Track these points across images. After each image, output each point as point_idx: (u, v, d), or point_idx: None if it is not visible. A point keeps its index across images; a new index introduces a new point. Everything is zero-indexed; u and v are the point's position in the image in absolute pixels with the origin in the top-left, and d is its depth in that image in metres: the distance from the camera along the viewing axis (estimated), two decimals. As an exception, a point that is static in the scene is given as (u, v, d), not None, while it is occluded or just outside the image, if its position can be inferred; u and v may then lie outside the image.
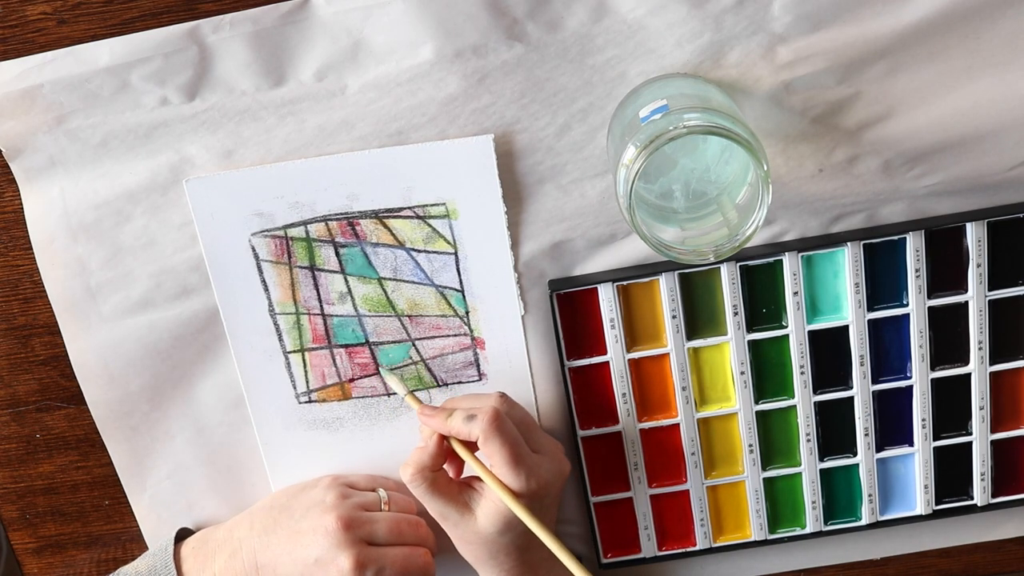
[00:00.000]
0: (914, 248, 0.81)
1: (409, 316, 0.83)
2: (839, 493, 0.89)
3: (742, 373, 0.84)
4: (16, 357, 0.85)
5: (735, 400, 0.85)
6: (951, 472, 0.88)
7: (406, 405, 0.85)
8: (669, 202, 0.73)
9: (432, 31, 0.74)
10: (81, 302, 0.82)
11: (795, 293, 0.82)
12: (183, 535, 0.86)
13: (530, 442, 0.79)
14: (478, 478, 0.79)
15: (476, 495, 0.79)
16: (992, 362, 0.84)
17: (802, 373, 0.84)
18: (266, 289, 0.82)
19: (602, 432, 0.86)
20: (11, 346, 0.85)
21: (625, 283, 0.82)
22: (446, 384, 0.85)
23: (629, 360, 0.84)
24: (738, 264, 0.81)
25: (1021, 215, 0.80)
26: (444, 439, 0.79)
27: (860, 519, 0.89)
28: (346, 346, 0.84)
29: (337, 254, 0.81)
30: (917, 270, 0.81)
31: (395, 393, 0.85)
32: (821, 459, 0.87)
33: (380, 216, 0.80)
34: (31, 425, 0.88)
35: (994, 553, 0.93)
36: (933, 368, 0.85)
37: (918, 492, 0.88)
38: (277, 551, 0.80)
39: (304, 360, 0.84)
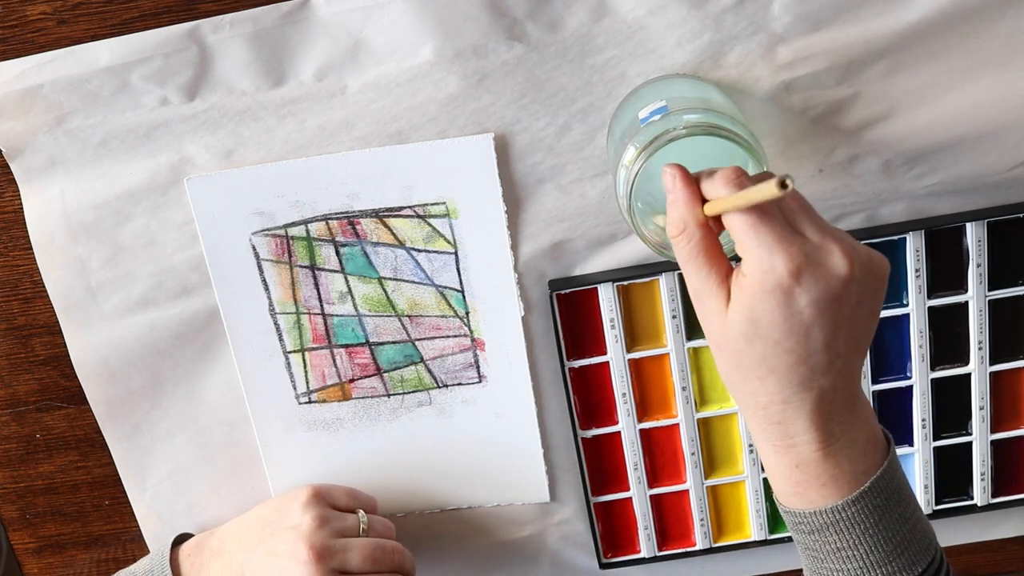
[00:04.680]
0: (914, 248, 0.81)
1: (409, 316, 0.83)
2: (839, 493, 0.89)
3: (742, 373, 0.84)
4: (16, 357, 0.85)
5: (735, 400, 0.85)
6: (951, 472, 0.88)
7: (406, 405, 0.85)
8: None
9: (432, 31, 0.74)
10: (81, 301, 0.82)
11: (795, 293, 0.82)
12: (180, 540, 0.86)
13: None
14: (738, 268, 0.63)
15: (733, 282, 0.62)
16: (992, 362, 0.84)
17: (802, 373, 0.84)
18: (266, 288, 0.82)
19: (602, 432, 0.86)
20: (11, 346, 0.85)
21: (625, 283, 0.82)
22: (446, 385, 0.85)
23: (629, 360, 0.84)
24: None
25: (1021, 215, 0.80)
26: (691, 184, 0.63)
27: (860, 519, 0.89)
28: (346, 346, 0.84)
29: (337, 253, 0.81)
30: (917, 270, 0.81)
31: (396, 393, 0.85)
32: (821, 459, 0.87)
33: (380, 215, 0.80)
34: (31, 425, 0.88)
35: (994, 553, 0.93)
36: (933, 368, 0.85)
37: (918, 492, 0.88)
38: (258, 567, 0.80)
39: (304, 360, 0.84)
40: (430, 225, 0.80)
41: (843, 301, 0.59)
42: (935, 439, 0.87)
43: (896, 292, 0.83)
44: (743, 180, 0.61)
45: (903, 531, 0.65)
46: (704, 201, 0.63)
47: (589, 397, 0.86)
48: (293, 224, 0.80)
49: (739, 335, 0.61)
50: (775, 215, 0.60)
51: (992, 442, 0.87)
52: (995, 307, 0.83)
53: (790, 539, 0.89)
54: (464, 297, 0.82)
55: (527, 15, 0.73)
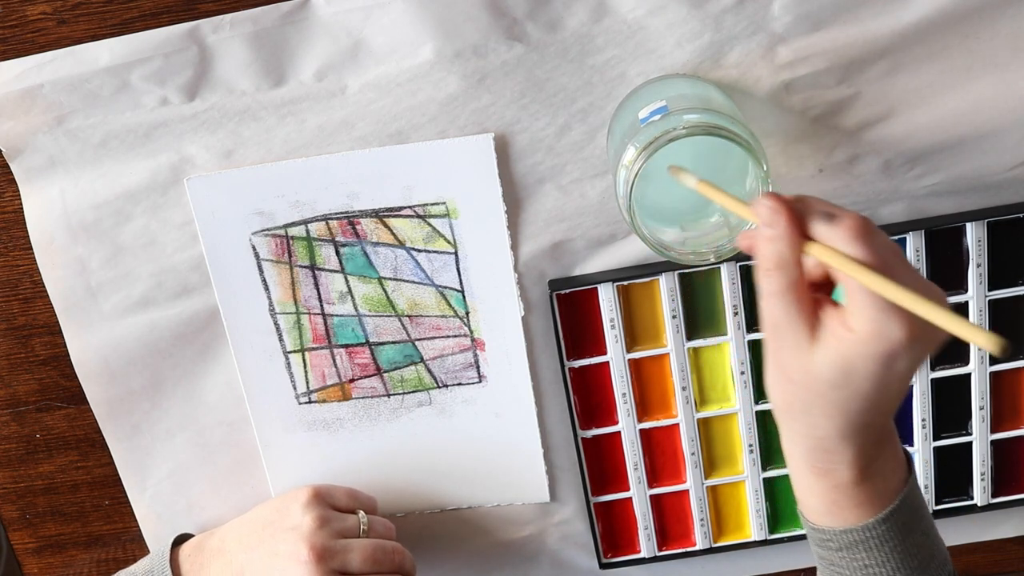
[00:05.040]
0: (914, 248, 0.81)
1: (409, 316, 0.83)
2: (839, 493, 0.89)
3: (742, 373, 0.84)
4: (16, 357, 0.85)
5: (735, 400, 0.85)
6: (951, 472, 0.88)
7: (406, 405, 0.85)
8: (669, 203, 0.73)
9: (432, 31, 0.74)
10: (82, 301, 0.82)
11: (795, 293, 0.82)
12: (181, 540, 0.86)
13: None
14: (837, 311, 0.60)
15: (828, 325, 0.60)
16: (992, 362, 0.84)
17: (802, 373, 0.84)
18: (266, 288, 0.82)
19: (602, 432, 0.86)
20: (11, 346, 0.85)
21: (625, 283, 0.82)
22: (446, 385, 0.85)
23: (629, 360, 0.84)
24: (738, 264, 0.81)
25: (1021, 215, 0.80)
26: (796, 221, 0.60)
27: (860, 519, 0.89)
28: (346, 346, 0.84)
29: (337, 253, 0.81)
30: (916, 270, 0.81)
31: (396, 393, 0.85)
32: (821, 459, 0.87)
33: (380, 215, 0.80)
34: (31, 425, 0.88)
35: (994, 553, 0.93)
36: (933, 368, 0.85)
37: (918, 492, 0.88)
38: (259, 567, 0.80)
39: (304, 360, 0.84)
40: (430, 225, 0.80)
41: (926, 358, 0.59)
42: (935, 439, 0.87)
43: (896, 292, 0.83)
44: (870, 236, 0.59)
45: (926, 548, 0.65)
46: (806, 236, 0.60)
47: (589, 397, 0.86)
48: (293, 224, 0.80)
49: (826, 380, 0.59)
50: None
51: (992, 442, 0.87)
52: (995, 307, 0.83)
53: (790, 539, 0.89)
54: (464, 297, 0.82)
55: (527, 15, 0.73)
